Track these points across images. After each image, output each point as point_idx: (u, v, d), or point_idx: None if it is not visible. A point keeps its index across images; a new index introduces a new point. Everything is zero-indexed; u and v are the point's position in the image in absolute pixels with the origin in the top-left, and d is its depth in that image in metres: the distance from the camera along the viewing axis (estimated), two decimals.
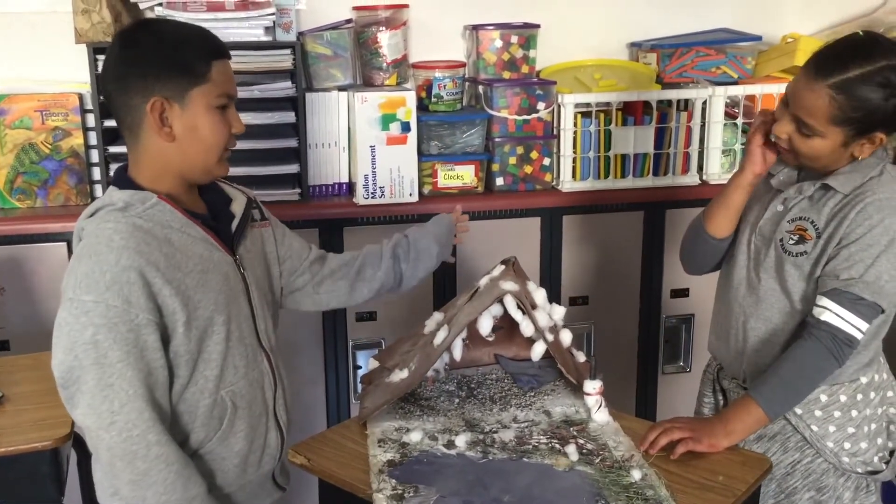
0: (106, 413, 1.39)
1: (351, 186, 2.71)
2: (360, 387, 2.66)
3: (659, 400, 3.00)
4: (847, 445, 1.72)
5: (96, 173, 2.61)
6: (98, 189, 2.63)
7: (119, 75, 1.47)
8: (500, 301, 1.74)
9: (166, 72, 1.45)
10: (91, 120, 2.56)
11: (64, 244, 2.47)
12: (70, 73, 2.59)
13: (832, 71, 1.56)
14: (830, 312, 1.60)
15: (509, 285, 1.74)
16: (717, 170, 2.85)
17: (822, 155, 1.63)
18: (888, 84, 1.55)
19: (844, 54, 1.58)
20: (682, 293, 2.91)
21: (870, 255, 1.60)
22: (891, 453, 1.78)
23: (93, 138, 2.57)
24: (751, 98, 2.83)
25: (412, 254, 1.88)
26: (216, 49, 1.51)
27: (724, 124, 2.82)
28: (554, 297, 2.54)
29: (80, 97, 2.57)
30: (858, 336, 1.61)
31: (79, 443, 1.93)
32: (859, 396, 1.73)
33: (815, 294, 1.66)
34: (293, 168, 2.60)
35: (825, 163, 1.66)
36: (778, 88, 2.77)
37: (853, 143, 1.61)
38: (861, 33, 1.62)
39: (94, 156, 2.59)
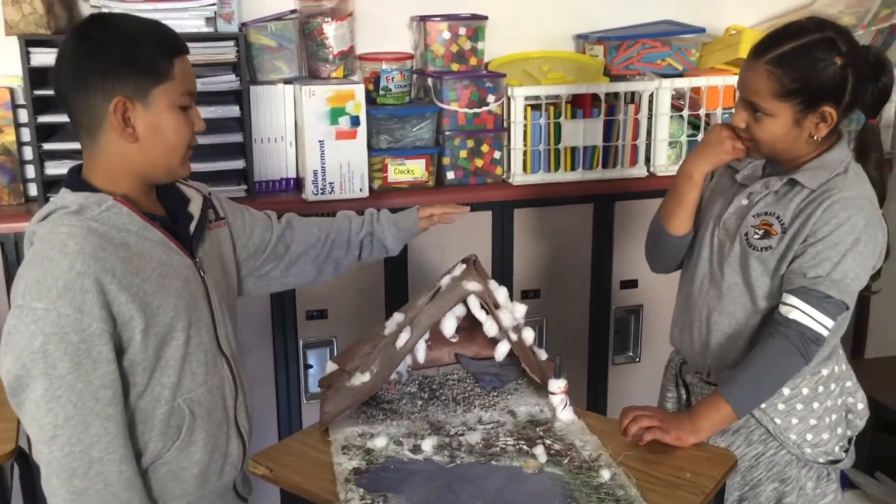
0: (49, 426, 1.33)
1: (298, 182, 2.65)
2: (311, 387, 2.64)
3: (609, 391, 3.01)
4: (809, 437, 1.75)
5: (30, 171, 2.49)
6: (32, 188, 2.51)
7: (76, 74, 1.39)
8: (464, 301, 1.72)
9: (128, 71, 1.38)
10: (24, 115, 2.44)
11: None
12: (0, 66, 2.46)
13: (769, 49, 1.63)
14: (798, 311, 1.61)
15: (473, 285, 1.71)
16: (664, 161, 2.86)
17: (778, 136, 1.65)
18: (823, 54, 1.60)
19: (781, 33, 1.65)
20: (632, 284, 2.92)
21: (837, 253, 1.61)
22: (849, 441, 1.81)
23: (26, 135, 2.44)
24: (696, 90, 2.85)
25: (374, 250, 1.90)
26: (177, 45, 1.44)
27: (671, 116, 2.84)
28: None
29: (12, 91, 2.44)
30: (825, 333, 1.63)
31: (22, 457, 1.84)
32: (821, 388, 1.75)
33: (779, 290, 1.67)
34: (238, 164, 2.52)
35: (784, 147, 1.67)
36: (723, 80, 2.80)
37: (805, 121, 1.63)
38: (805, 18, 1.67)
39: (28, 153, 2.46)
